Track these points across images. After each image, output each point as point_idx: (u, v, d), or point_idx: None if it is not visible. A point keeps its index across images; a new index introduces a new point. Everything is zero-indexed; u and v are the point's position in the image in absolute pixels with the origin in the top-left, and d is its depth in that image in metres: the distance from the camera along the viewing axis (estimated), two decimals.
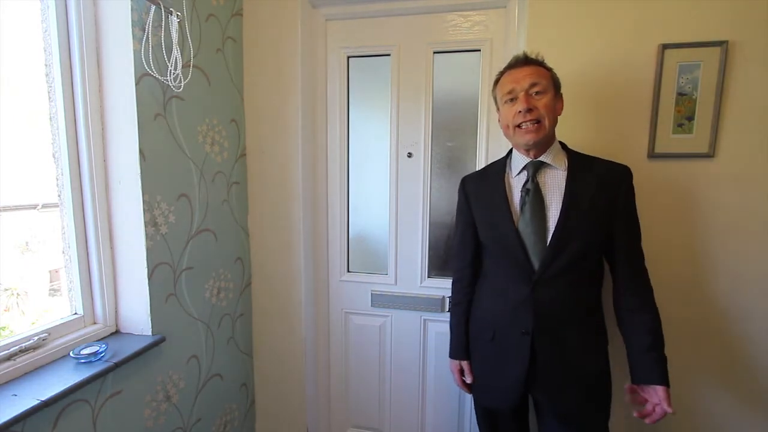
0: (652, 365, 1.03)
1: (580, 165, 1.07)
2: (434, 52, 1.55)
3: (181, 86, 1.22)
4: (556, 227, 1.02)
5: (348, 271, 1.73)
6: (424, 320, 1.67)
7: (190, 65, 1.28)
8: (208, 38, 1.38)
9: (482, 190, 1.17)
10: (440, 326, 1.66)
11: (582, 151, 1.14)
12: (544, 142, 1.05)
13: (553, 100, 1.03)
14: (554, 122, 1.05)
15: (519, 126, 1.04)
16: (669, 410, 0.98)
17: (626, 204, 1.06)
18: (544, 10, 1.31)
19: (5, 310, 1.11)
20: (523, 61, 1.06)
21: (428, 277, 1.66)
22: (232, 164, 1.54)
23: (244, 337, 1.67)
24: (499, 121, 1.13)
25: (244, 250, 1.64)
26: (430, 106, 1.57)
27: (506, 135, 1.11)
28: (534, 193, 1.06)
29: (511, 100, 1.05)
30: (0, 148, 0.98)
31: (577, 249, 1.02)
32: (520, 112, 1.02)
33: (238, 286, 1.61)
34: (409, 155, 1.61)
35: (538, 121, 1.02)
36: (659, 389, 1.01)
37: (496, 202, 1.11)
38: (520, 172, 1.11)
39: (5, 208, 1.02)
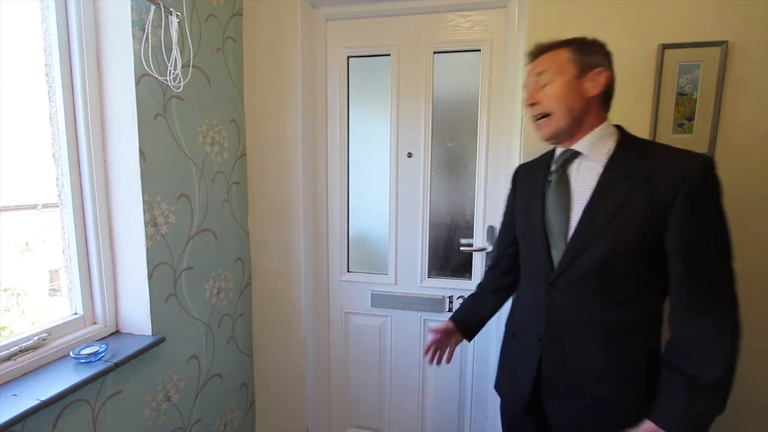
0: (677, 399, 0.80)
1: (626, 155, 0.88)
2: (434, 52, 1.55)
3: (180, 86, 1.22)
4: (576, 227, 0.89)
5: (348, 271, 1.73)
6: (424, 320, 1.67)
7: (189, 65, 1.28)
8: (208, 38, 1.38)
9: (528, 180, 1.08)
10: None
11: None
12: (566, 132, 0.92)
13: (567, 85, 0.89)
14: (574, 110, 0.89)
15: (533, 121, 0.96)
16: None
17: (688, 208, 0.80)
18: (544, 10, 1.31)
19: (5, 310, 1.11)
20: (535, 53, 0.96)
21: (428, 277, 1.66)
22: (232, 164, 1.54)
23: (244, 337, 1.67)
24: None
25: (244, 250, 1.64)
26: (430, 106, 1.57)
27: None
28: (556, 185, 0.95)
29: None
30: (0, 148, 0.98)
31: (601, 255, 0.85)
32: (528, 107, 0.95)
33: (238, 286, 1.61)
34: (409, 155, 1.61)
35: (545, 115, 0.92)
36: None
37: (534, 193, 1.02)
38: (556, 162, 1.00)
39: (5, 208, 1.02)
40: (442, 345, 1.18)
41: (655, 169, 0.84)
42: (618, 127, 0.94)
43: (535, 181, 1.03)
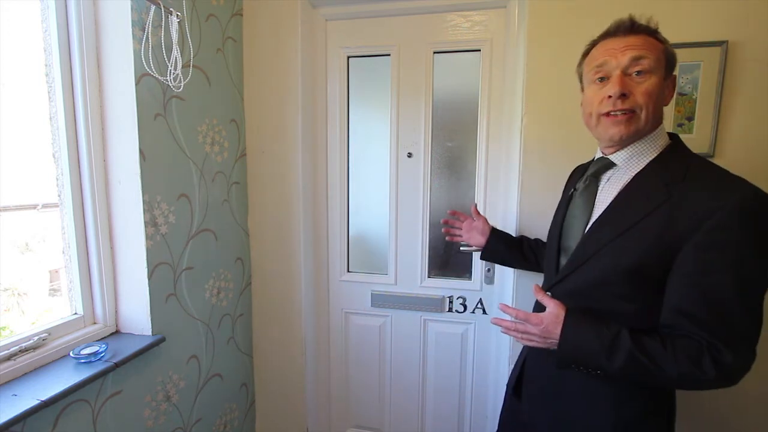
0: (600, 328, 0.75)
1: (658, 173, 0.78)
2: (434, 52, 1.55)
3: (181, 86, 1.22)
4: (580, 240, 0.85)
5: (348, 271, 1.73)
6: (424, 320, 1.67)
7: (190, 65, 1.28)
8: (208, 38, 1.38)
9: (571, 182, 1.05)
10: (440, 326, 1.66)
11: (581, 151, 1.13)
12: (639, 137, 0.80)
13: (659, 86, 0.77)
14: (654, 115, 0.78)
15: (606, 114, 0.79)
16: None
17: (702, 251, 0.68)
18: (544, 10, 1.31)
19: (5, 310, 1.11)
20: (628, 27, 0.78)
21: (428, 277, 1.66)
22: (232, 164, 1.54)
23: (244, 337, 1.67)
24: (581, 105, 0.88)
25: (244, 250, 1.64)
26: (430, 106, 1.57)
27: (587, 125, 0.86)
28: (581, 194, 0.89)
29: (601, 79, 0.80)
30: (0, 148, 0.98)
31: (595, 275, 0.80)
32: (610, 96, 0.77)
33: (238, 286, 1.61)
34: (409, 155, 1.61)
35: (632, 111, 0.77)
36: (553, 309, 0.80)
37: (564, 196, 1.00)
38: (590, 169, 0.92)
39: (5, 208, 1.02)
40: (463, 226, 1.31)
41: (681, 195, 0.72)
42: (673, 137, 0.83)
43: (572, 185, 0.99)
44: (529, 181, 1.38)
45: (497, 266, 1.56)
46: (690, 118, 1.25)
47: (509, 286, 1.46)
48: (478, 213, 1.31)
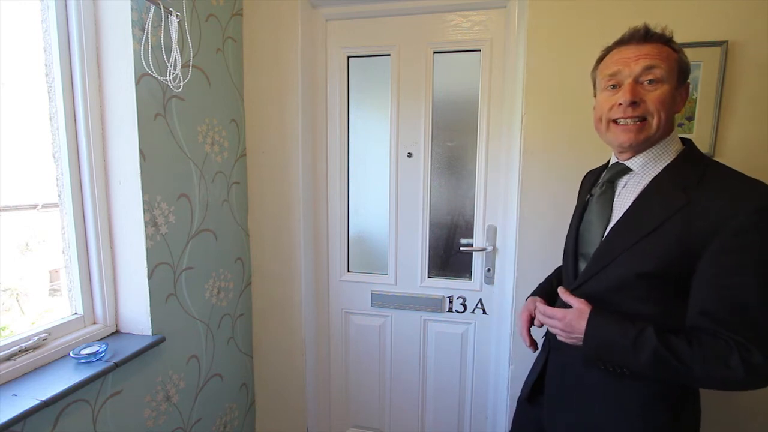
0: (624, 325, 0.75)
1: (674, 178, 0.78)
2: (434, 52, 1.55)
3: (180, 86, 1.22)
4: (599, 245, 0.84)
5: (348, 271, 1.73)
6: (424, 320, 1.67)
7: (189, 65, 1.28)
8: (208, 38, 1.38)
9: (585, 187, 1.04)
10: (440, 326, 1.66)
11: (581, 151, 1.13)
12: (650, 144, 0.81)
13: (671, 94, 0.77)
14: (666, 121, 0.78)
15: (615, 121, 0.81)
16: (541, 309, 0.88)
17: (722, 255, 0.69)
18: (544, 10, 1.31)
19: (5, 310, 1.11)
20: (642, 36, 0.79)
21: (428, 277, 1.66)
22: (232, 164, 1.54)
23: (244, 337, 1.67)
24: (594, 109, 0.89)
25: (244, 250, 1.64)
26: (430, 106, 1.57)
27: (597, 129, 0.87)
28: (597, 200, 0.89)
29: (613, 86, 0.82)
30: (0, 148, 0.98)
31: (615, 280, 0.79)
32: (620, 104, 0.79)
33: (238, 286, 1.61)
34: (409, 155, 1.61)
35: (643, 119, 0.78)
36: (576, 307, 0.81)
37: (580, 202, 0.99)
38: (605, 175, 0.92)
39: (5, 208, 1.02)
40: (524, 319, 1.06)
41: (699, 200, 0.72)
42: (686, 142, 0.84)
43: (587, 190, 0.99)
44: (529, 181, 1.38)
45: (497, 266, 1.56)
46: (690, 118, 1.25)
47: (509, 287, 1.46)
48: (524, 315, 1.11)
